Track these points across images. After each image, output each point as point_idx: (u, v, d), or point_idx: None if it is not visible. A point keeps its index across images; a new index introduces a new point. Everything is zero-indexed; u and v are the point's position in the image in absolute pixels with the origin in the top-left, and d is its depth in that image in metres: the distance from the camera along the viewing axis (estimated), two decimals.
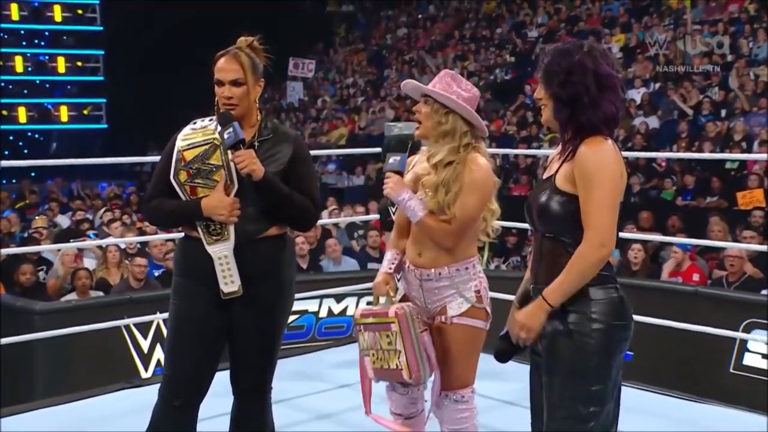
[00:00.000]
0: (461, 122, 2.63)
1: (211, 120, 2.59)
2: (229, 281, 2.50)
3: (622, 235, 2.56)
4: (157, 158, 2.73)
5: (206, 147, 2.53)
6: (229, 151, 2.51)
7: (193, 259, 2.55)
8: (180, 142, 2.55)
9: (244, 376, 2.62)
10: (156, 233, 7.95)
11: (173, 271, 2.67)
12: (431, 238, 2.64)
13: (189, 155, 2.52)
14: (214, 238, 2.51)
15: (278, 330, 2.65)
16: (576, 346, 2.12)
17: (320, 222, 8.31)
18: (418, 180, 2.71)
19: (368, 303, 3.46)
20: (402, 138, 2.71)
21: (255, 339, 2.58)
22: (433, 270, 2.66)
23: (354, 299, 5.83)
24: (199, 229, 2.52)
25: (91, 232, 8.44)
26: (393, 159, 2.68)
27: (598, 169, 2.10)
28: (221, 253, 2.50)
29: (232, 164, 2.50)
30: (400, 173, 2.66)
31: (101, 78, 22.33)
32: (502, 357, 2.32)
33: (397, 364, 2.60)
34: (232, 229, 2.51)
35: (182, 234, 2.64)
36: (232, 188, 2.51)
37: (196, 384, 2.57)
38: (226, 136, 2.48)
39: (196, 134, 2.57)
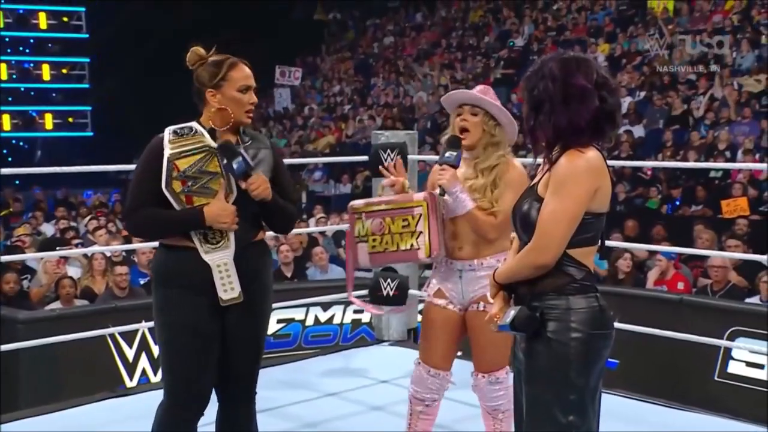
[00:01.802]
0: (505, 134, 2.94)
1: (190, 128, 2.56)
2: (229, 288, 2.52)
3: (608, 243, 2.59)
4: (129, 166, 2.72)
5: (201, 155, 2.51)
6: (237, 178, 2.51)
7: (186, 268, 2.53)
8: (169, 150, 2.50)
9: (234, 382, 2.64)
10: (142, 242, 7.92)
11: (158, 283, 2.59)
12: (476, 229, 2.86)
13: (182, 164, 2.49)
14: (213, 246, 2.51)
15: (265, 334, 2.71)
16: (554, 355, 2.13)
17: (307, 230, 8.35)
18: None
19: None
20: (457, 137, 2.93)
21: (247, 344, 2.62)
22: (475, 261, 2.90)
23: (341, 307, 5.84)
24: (195, 239, 2.51)
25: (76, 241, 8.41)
26: (449, 153, 2.86)
27: (566, 180, 2.11)
28: (221, 260, 2.51)
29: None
30: (455, 167, 2.84)
31: (87, 85, 22.22)
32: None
33: (412, 245, 2.82)
34: (232, 236, 2.53)
35: (158, 244, 2.63)
36: (232, 196, 2.53)
37: (203, 393, 2.59)
38: (235, 165, 2.49)
39: (183, 142, 2.53)
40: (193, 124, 2.58)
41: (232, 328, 2.58)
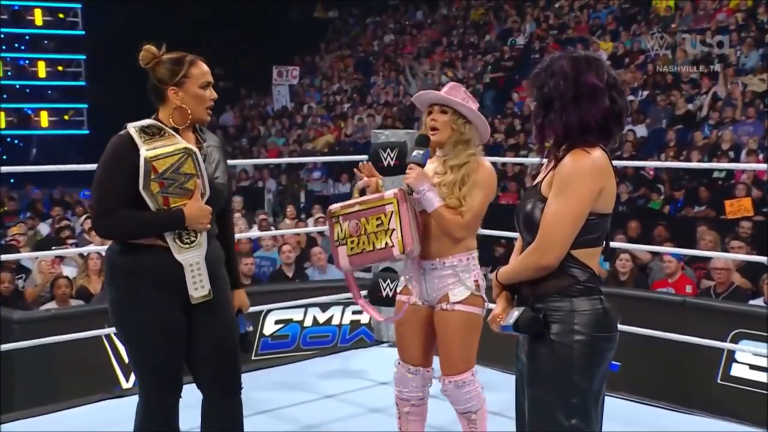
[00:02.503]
0: (475, 132, 2.97)
1: (158, 127, 2.56)
2: (200, 286, 2.58)
3: (612, 244, 2.59)
4: None
5: (178, 156, 2.53)
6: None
7: (156, 267, 2.55)
8: (147, 152, 2.50)
9: (216, 378, 2.68)
10: None
11: (119, 281, 2.59)
12: (443, 228, 2.89)
13: (160, 166, 2.50)
14: (187, 246, 2.56)
15: (233, 324, 2.74)
16: (558, 357, 2.13)
17: (306, 230, 8.34)
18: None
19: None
20: (425, 135, 2.98)
21: (220, 337, 2.66)
22: (437, 259, 2.93)
23: (339, 308, 5.84)
24: (169, 239, 2.55)
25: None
26: (416, 152, 2.92)
27: (571, 180, 2.12)
28: (193, 260, 2.56)
29: (204, 172, 2.57)
30: (422, 165, 2.90)
31: (83, 83, 22.22)
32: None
33: (386, 243, 2.84)
34: (204, 236, 2.60)
35: (113, 244, 2.64)
36: (205, 196, 2.59)
37: (175, 382, 2.64)
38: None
39: (158, 142, 2.53)
40: (156, 122, 2.59)
41: (200, 324, 2.62)
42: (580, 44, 13.87)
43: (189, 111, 2.58)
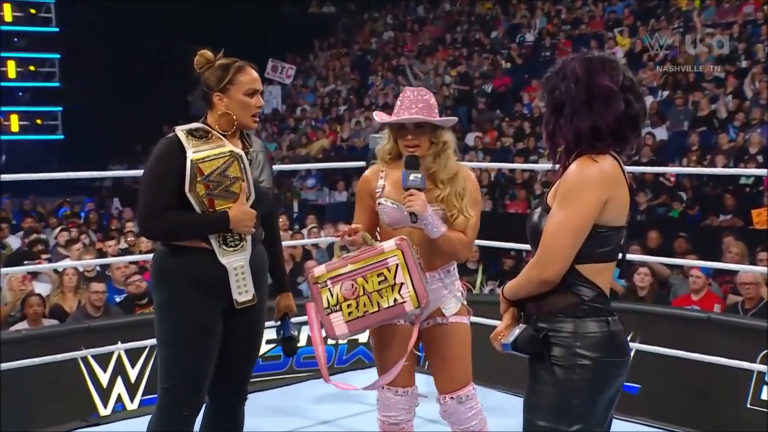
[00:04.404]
0: (447, 132, 3.02)
1: (206, 131, 2.77)
2: (244, 291, 2.78)
3: (629, 257, 2.59)
4: (122, 173, 2.91)
5: (224, 159, 2.73)
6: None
7: (201, 270, 2.76)
8: (193, 154, 2.70)
9: (229, 382, 2.89)
10: (118, 255, 7.92)
11: (166, 282, 2.79)
12: (450, 251, 2.95)
13: (206, 168, 2.71)
14: (231, 249, 2.76)
15: (263, 334, 2.99)
16: (557, 382, 2.14)
17: (299, 242, 8.36)
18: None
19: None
20: (415, 157, 2.97)
21: (249, 345, 2.90)
22: (426, 274, 2.92)
23: None
24: (214, 241, 2.74)
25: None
26: (414, 176, 2.90)
27: (574, 189, 2.14)
28: (237, 263, 2.77)
29: (250, 176, 2.76)
30: (421, 190, 2.90)
31: (57, 84, 22.28)
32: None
33: (396, 299, 2.80)
34: (249, 239, 2.79)
35: (160, 245, 2.86)
36: (250, 199, 2.77)
37: (203, 390, 2.82)
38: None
39: (204, 145, 2.74)
40: (203, 125, 2.80)
41: (236, 328, 2.82)
42: (594, 41, 13.92)
43: (234, 117, 2.78)
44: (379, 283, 2.80)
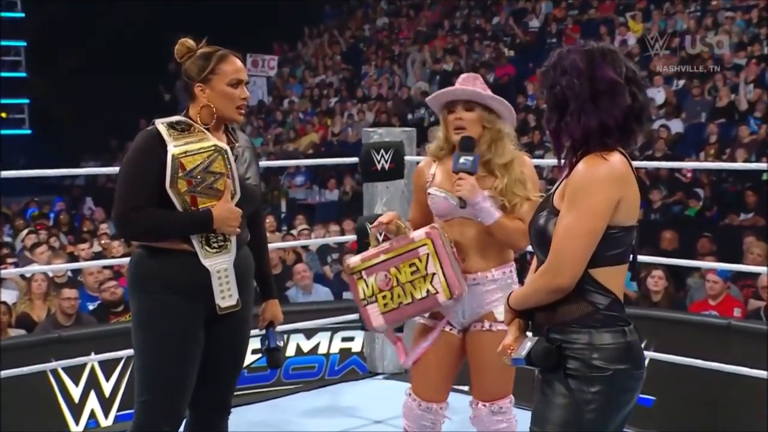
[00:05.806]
0: (504, 123, 3.04)
1: (188, 124, 2.75)
2: (227, 295, 2.75)
3: (640, 258, 2.60)
4: (95, 170, 2.88)
5: (207, 154, 2.70)
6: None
7: (182, 274, 2.73)
8: (175, 148, 2.67)
9: (212, 393, 2.86)
10: (91, 259, 7.91)
11: (144, 288, 2.76)
12: (506, 240, 2.96)
13: (189, 163, 2.68)
14: (214, 250, 2.73)
15: (248, 342, 2.94)
16: (571, 395, 2.16)
17: (287, 244, 8.36)
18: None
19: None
20: (471, 138, 3.02)
21: (232, 354, 2.87)
22: (479, 273, 3.00)
23: (327, 334, 5.84)
24: (196, 242, 2.71)
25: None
26: (465, 159, 2.94)
27: (584, 190, 2.14)
28: (221, 266, 2.74)
29: (235, 172, 2.74)
30: (472, 173, 2.93)
31: (23, 74, 22.25)
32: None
33: (428, 290, 2.88)
34: (234, 240, 2.77)
35: (138, 247, 2.82)
36: (236, 198, 2.75)
37: (184, 404, 2.78)
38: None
39: (186, 139, 2.71)
40: (185, 118, 2.78)
41: (219, 336, 2.80)
42: (604, 26, 13.93)
43: (215, 110, 2.76)
44: (412, 273, 2.90)
